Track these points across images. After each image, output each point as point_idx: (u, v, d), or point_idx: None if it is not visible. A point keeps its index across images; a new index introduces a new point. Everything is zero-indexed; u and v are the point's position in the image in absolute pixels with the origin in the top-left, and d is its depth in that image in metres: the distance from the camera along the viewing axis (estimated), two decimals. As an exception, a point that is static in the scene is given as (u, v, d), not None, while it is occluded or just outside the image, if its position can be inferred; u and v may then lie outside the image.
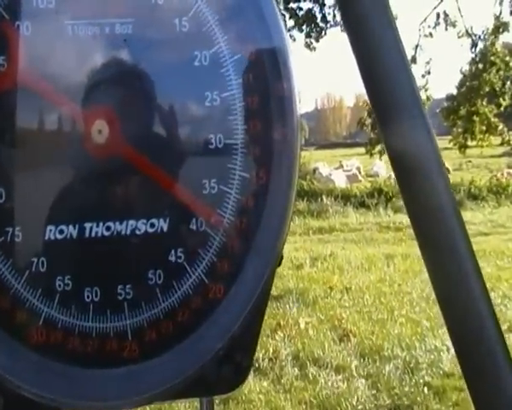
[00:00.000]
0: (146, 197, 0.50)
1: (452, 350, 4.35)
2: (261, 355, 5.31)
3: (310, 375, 4.91)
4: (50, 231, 0.49)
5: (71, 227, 0.49)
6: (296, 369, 5.08)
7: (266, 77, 0.50)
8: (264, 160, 0.50)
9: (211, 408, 0.54)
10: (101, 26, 0.49)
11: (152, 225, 0.49)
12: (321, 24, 10.50)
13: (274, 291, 7.36)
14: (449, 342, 5.38)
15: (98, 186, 0.50)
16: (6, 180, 0.49)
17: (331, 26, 10.63)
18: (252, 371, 4.96)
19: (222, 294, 0.50)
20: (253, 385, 4.73)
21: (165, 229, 0.49)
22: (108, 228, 0.49)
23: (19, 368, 0.48)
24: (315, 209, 14.31)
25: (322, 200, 14.56)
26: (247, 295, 0.50)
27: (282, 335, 5.84)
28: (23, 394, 0.48)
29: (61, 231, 0.49)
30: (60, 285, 0.49)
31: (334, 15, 10.42)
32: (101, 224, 0.49)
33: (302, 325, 6.10)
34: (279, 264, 0.51)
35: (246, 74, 0.50)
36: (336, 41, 11.68)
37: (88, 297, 0.49)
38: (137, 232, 0.49)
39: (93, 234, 0.49)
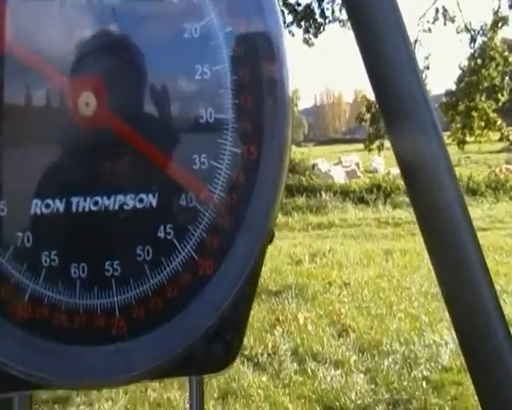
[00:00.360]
0: (134, 172, 0.49)
1: (451, 345, 4.39)
2: (260, 350, 5.31)
3: (309, 370, 4.91)
4: (36, 205, 0.48)
5: (57, 201, 0.48)
6: (295, 364, 5.07)
7: (257, 51, 0.49)
8: (255, 135, 0.49)
9: (200, 388, 0.52)
10: None
11: (140, 201, 0.48)
12: (319, 19, 10.49)
13: (273, 287, 7.37)
14: (447, 337, 5.41)
15: (85, 160, 0.49)
16: None
17: (330, 21, 10.62)
18: (251, 367, 4.96)
19: (212, 270, 0.49)
20: (251, 380, 4.72)
21: (154, 204, 0.48)
22: (96, 203, 0.48)
23: (4, 345, 0.47)
24: (314, 205, 14.31)
25: (321, 196, 14.56)
26: (238, 271, 0.49)
27: (280, 330, 5.84)
28: (9, 371, 0.47)
29: (48, 206, 0.48)
30: (46, 261, 0.48)
31: (333, 11, 10.41)
32: (88, 198, 0.48)
33: (301, 321, 6.09)
34: (270, 241, 0.50)
35: (237, 48, 0.49)
36: (335, 36, 11.67)
37: (75, 273, 0.48)
38: (126, 207, 0.48)
39: (80, 209, 0.48)
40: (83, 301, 0.48)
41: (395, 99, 0.49)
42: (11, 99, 0.48)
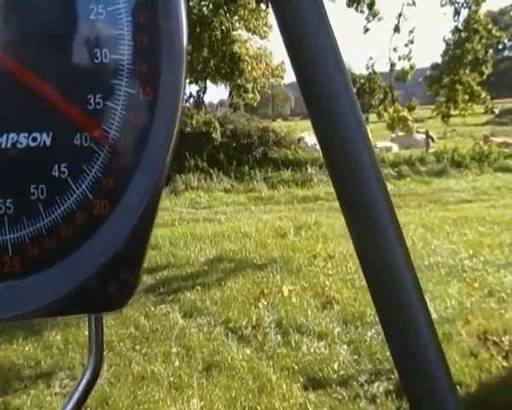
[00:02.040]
0: (27, 110, 0.48)
1: (433, 315, 4.40)
2: (244, 323, 5.34)
3: (293, 342, 4.95)
4: None
5: None
6: (279, 336, 5.11)
7: None
8: (150, 77, 0.49)
9: (99, 325, 0.53)
10: None
11: (34, 139, 0.48)
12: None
13: (258, 260, 7.40)
14: (429, 308, 5.49)
15: None
16: None
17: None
18: (235, 339, 4.99)
19: (107, 210, 0.49)
20: (236, 353, 4.76)
21: (48, 143, 0.48)
22: None
23: None
24: (299, 178, 14.33)
25: (306, 169, 14.57)
26: (133, 211, 0.49)
27: (265, 303, 5.87)
28: None
29: None
30: None
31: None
32: None
33: (285, 293, 6.13)
34: (166, 183, 0.50)
35: None
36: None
37: None
38: (19, 146, 0.48)
39: None
40: None
41: (316, 88, 0.51)
42: None
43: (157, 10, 0.49)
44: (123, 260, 0.49)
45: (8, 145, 0.48)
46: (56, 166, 0.49)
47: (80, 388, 0.52)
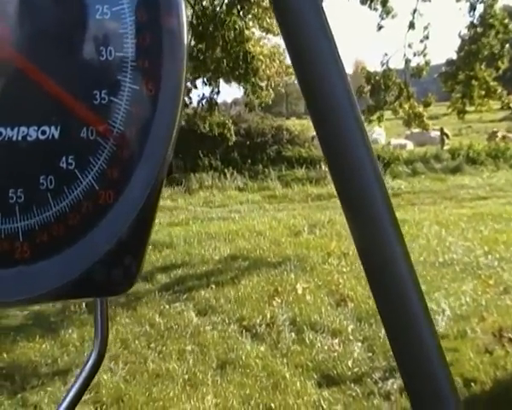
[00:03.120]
0: (37, 105, 0.51)
1: (447, 312, 4.39)
2: (258, 321, 5.36)
3: (307, 339, 4.96)
4: None
5: None
6: (293, 334, 5.12)
7: None
8: (153, 73, 0.52)
9: (104, 309, 0.57)
10: None
11: (43, 133, 0.51)
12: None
13: (272, 258, 7.41)
14: (444, 305, 5.43)
15: None
16: None
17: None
18: (249, 337, 5.01)
19: (112, 199, 0.52)
20: (250, 350, 4.78)
21: (56, 136, 0.51)
22: (0, 134, 0.50)
23: None
24: (313, 176, 14.33)
25: (320, 167, 14.56)
26: (137, 201, 0.52)
27: (279, 300, 5.88)
28: None
29: None
30: None
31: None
32: None
33: (300, 291, 6.14)
34: (168, 174, 0.54)
35: None
36: (333, 7, 11.54)
37: None
38: (29, 139, 0.51)
39: None
40: None
41: (319, 93, 0.53)
42: None
43: (159, 9, 0.52)
44: (126, 248, 0.52)
45: (19, 138, 0.50)
46: (64, 158, 0.51)
47: (87, 368, 0.54)
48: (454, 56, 13.44)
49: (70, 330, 5.18)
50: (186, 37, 0.53)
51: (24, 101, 0.51)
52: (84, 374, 0.54)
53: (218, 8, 10.45)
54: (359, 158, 0.53)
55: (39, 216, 0.51)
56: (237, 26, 10.57)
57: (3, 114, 0.50)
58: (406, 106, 11.13)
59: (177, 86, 0.53)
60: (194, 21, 10.04)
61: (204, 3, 10.49)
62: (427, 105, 11.61)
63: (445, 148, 18.05)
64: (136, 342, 4.97)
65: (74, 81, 0.51)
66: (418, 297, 0.52)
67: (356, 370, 4.35)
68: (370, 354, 4.58)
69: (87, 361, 0.54)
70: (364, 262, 0.54)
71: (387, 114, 12.11)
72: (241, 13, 10.44)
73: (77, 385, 0.54)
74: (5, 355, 4.76)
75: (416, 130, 14.45)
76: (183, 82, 0.53)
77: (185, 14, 0.53)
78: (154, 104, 0.52)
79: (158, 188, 0.53)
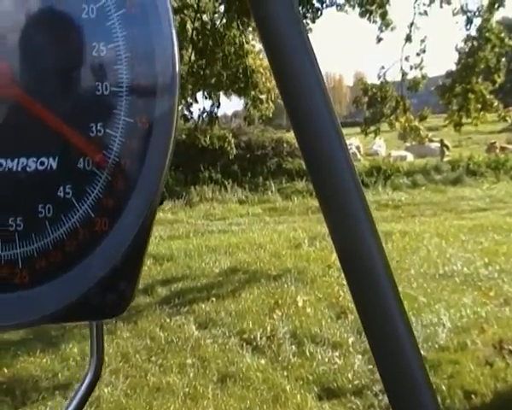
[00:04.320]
0: (36, 137, 0.54)
1: (448, 324, 4.38)
2: (259, 334, 5.36)
3: (307, 352, 4.96)
4: None
5: None
6: (293, 346, 5.12)
7: (150, 31, 0.55)
8: (147, 107, 0.55)
9: (100, 331, 0.59)
10: None
11: (42, 163, 0.53)
12: (317, 4, 10.41)
13: (272, 271, 7.41)
14: (445, 317, 5.41)
15: None
16: None
17: (327, 6, 10.55)
18: (250, 350, 5.00)
19: (107, 227, 0.54)
20: (250, 363, 4.78)
21: (54, 167, 0.53)
22: (0, 165, 0.53)
23: None
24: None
25: (320, 180, 14.52)
26: (130, 228, 0.54)
27: (279, 313, 5.88)
28: None
29: None
30: None
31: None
32: None
33: (300, 304, 6.14)
34: (161, 203, 0.56)
35: (130, 28, 0.54)
36: (332, 20, 11.61)
37: None
38: (28, 169, 0.53)
39: None
40: None
41: (297, 97, 0.55)
42: None
43: (152, 45, 0.54)
44: (121, 273, 0.55)
45: (19, 169, 0.53)
46: (62, 188, 0.54)
47: (83, 388, 0.56)
48: (454, 68, 13.47)
49: (70, 345, 5.17)
50: (178, 69, 0.55)
51: (23, 133, 0.53)
52: (80, 393, 0.57)
53: (217, 23, 10.51)
54: (336, 160, 0.55)
55: (38, 243, 0.54)
56: (237, 41, 10.62)
57: (4, 146, 0.53)
58: (402, 119, 11.15)
59: (169, 119, 0.55)
60: (195, 37, 10.09)
61: (204, 18, 10.54)
62: (422, 119, 11.63)
63: (445, 159, 18.08)
64: (137, 355, 4.97)
65: (72, 114, 0.54)
66: (393, 292, 0.54)
67: (356, 382, 4.35)
68: (371, 367, 4.57)
69: (83, 381, 0.57)
70: (341, 259, 0.56)
71: (385, 126, 12.12)
72: (240, 27, 10.49)
73: (73, 405, 0.56)
74: (5, 370, 4.76)
75: (414, 142, 14.50)
76: (176, 115, 0.56)
77: (177, 47, 0.55)
78: (148, 136, 0.54)
79: (151, 216, 0.55)
